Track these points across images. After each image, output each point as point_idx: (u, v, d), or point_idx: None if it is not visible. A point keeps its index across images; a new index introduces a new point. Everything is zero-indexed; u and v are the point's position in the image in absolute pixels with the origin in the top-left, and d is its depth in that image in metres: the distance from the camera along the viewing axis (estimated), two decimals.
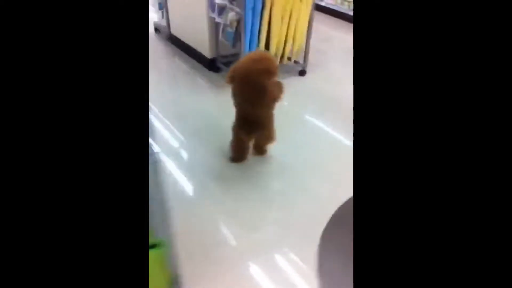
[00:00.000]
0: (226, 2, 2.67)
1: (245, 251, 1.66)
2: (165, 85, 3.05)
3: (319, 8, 4.66)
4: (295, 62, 3.16)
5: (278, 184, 2.08)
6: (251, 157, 2.22)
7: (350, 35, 4.13)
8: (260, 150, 2.17)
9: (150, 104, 2.35)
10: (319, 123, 2.57)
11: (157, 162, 0.99)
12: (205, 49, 3.09)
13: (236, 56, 2.90)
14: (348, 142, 2.37)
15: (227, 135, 2.13)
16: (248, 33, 2.69)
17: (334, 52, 3.83)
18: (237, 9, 2.62)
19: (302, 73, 3.19)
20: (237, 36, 2.73)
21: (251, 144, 2.14)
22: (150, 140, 0.90)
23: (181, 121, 2.54)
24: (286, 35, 2.89)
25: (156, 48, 3.72)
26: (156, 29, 4.06)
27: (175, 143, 2.33)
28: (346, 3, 4.28)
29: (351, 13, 4.22)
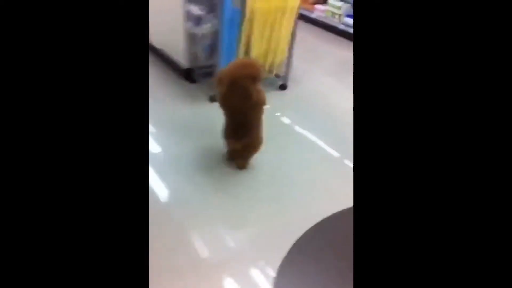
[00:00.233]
0: (203, 13, 2.53)
1: (218, 264, 1.58)
2: None
3: (309, 20, 4.54)
4: (276, 76, 3.03)
5: (256, 195, 2.00)
6: (231, 166, 2.15)
7: (339, 48, 4.01)
8: (241, 162, 2.15)
9: None
10: (292, 135, 2.44)
11: None
12: (182, 59, 2.94)
13: (213, 67, 2.76)
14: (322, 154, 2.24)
15: (201, 144, 2.19)
16: (225, 46, 2.55)
17: (321, 65, 3.70)
18: (214, 21, 2.48)
19: (282, 87, 3.05)
20: (213, 48, 2.58)
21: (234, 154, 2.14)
22: None
23: (155, 128, 2.43)
24: (267, 49, 2.76)
25: None
26: None
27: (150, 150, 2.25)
28: (336, 16, 4.16)
29: (341, 26, 4.10)
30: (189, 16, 2.64)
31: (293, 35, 2.81)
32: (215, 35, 2.52)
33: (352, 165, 2.29)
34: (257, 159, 2.20)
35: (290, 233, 1.69)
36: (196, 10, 2.55)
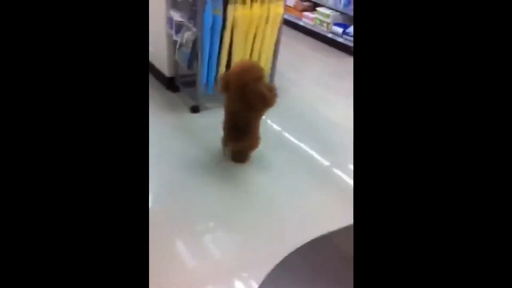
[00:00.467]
0: (184, 20, 2.45)
1: (202, 275, 1.55)
2: None
3: (297, 27, 4.49)
4: None
5: (242, 206, 1.95)
6: (213, 176, 2.11)
7: (327, 57, 3.95)
8: (241, 156, 2.18)
9: None
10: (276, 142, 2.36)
11: None
12: (164, 67, 2.86)
13: (194, 76, 2.68)
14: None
15: (182, 152, 2.19)
16: (206, 55, 2.47)
17: (309, 74, 3.65)
18: (194, 29, 2.40)
19: None
20: (193, 57, 2.50)
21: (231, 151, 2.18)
22: None
23: None
24: (250, 58, 2.68)
25: None
26: None
27: None
28: (324, 24, 4.10)
29: (330, 35, 4.04)
30: (170, 23, 2.56)
31: (277, 44, 2.74)
32: (195, 43, 2.44)
33: (341, 174, 2.27)
34: (245, 167, 2.18)
35: (277, 246, 1.66)
36: (177, 16, 2.47)
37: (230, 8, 2.35)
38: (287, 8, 4.60)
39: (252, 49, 2.63)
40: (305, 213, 1.91)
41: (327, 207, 1.96)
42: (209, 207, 1.92)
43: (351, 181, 2.22)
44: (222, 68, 2.58)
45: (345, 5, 3.94)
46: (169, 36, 2.65)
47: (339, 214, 1.88)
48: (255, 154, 2.22)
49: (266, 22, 2.52)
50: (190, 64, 2.55)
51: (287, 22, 4.59)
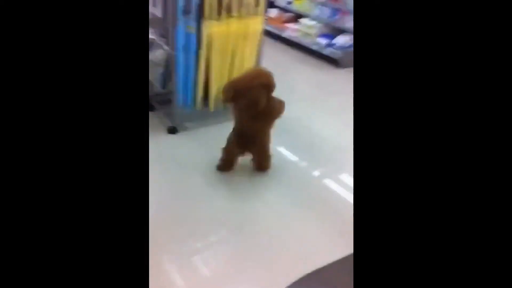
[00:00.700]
0: (155, 37, 2.27)
1: None
2: None
3: (280, 39, 4.35)
4: None
5: (229, 222, 1.87)
6: (195, 199, 2.02)
7: (312, 70, 3.80)
8: (262, 166, 2.19)
9: None
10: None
11: None
12: None
13: (170, 95, 2.49)
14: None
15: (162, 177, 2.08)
16: (181, 74, 2.29)
17: (294, 88, 3.48)
18: (166, 47, 2.22)
19: None
20: (167, 76, 2.32)
21: (245, 160, 2.17)
22: None
23: None
24: (230, 75, 2.52)
25: None
26: None
27: None
28: (309, 36, 3.97)
29: (314, 47, 3.91)
30: None
31: (258, 61, 2.58)
32: (168, 62, 2.26)
33: (332, 185, 2.21)
34: (233, 183, 2.14)
35: (264, 264, 1.65)
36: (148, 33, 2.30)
37: (204, 25, 2.18)
38: (269, 19, 4.49)
39: (231, 67, 2.47)
40: (297, 235, 1.82)
41: (321, 235, 1.84)
42: (196, 226, 1.84)
43: (344, 194, 2.15)
44: (200, 87, 2.40)
45: (330, 16, 3.81)
46: None
47: (333, 236, 1.78)
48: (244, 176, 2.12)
49: (245, 38, 2.37)
50: (164, 84, 2.37)
51: (270, 34, 4.47)
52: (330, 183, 2.23)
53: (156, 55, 2.28)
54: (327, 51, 3.77)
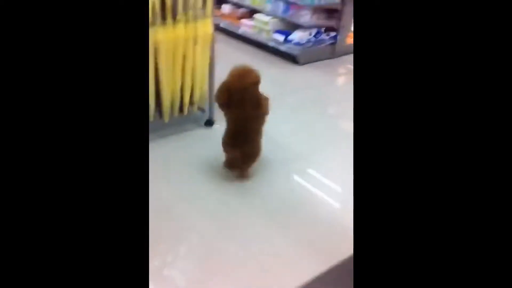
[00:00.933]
0: None
1: None
2: None
3: (235, 36, 4.21)
4: (200, 109, 2.64)
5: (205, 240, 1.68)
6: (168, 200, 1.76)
7: (269, 68, 3.68)
8: (242, 172, 2.16)
9: None
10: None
11: None
12: None
13: None
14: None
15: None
16: None
17: None
18: None
19: (209, 123, 2.66)
20: None
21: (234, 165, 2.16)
22: None
23: None
24: (182, 82, 2.36)
25: None
26: None
27: None
28: (264, 32, 3.85)
29: (271, 43, 3.79)
30: None
31: (211, 65, 2.43)
32: None
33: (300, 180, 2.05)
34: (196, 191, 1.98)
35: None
36: None
37: (150, 31, 2.00)
38: (223, 16, 4.33)
39: (183, 74, 2.31)
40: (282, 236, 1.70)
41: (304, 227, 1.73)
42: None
43: (311, 188, 2.09)
44: (151, 97, 2.23)
45: (284, 11, 3.71)
46: None
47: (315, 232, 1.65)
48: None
49: (195, 43, 2.21)
50: None
51: (224, 31, 4.32)
52: (297, 178, 2.17)
53: None
54: (285, 48, 3.68)
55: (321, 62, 3.80)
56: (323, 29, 3.72)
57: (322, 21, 3.69)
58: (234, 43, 4.22)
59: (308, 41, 3.61)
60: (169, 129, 2.49)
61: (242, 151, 2.05)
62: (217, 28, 4.34)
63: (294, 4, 3.60)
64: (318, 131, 2.75)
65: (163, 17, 2.02)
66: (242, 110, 1.93)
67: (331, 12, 3.71)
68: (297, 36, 3.61)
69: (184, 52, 2.21)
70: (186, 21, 2.10)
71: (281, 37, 3.70)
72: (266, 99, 2.01)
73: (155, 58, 2.11)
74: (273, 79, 3.51)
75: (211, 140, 2.53)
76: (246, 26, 4.04)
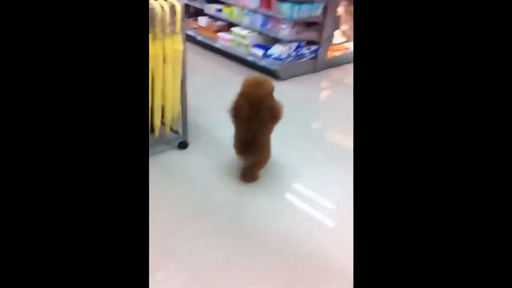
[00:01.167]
0: None
1: None
2: None
3: (213, 49, 4.04)
4: (173, 130, 2.43)
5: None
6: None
7: None
8: (251, 175, 2.17)
9: None
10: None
11: None
12: None
13: None
14: None
15: None
16: None
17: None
18: None
19: (182, 145, 2.46)
20: None
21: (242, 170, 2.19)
22: None
23: None
24: (152, 104, 2.16)
25: None
26: None
27: None
28: (242, 46, 3.69)
29: (250, 58, 3.63)
30: None
31: (183, 85, 2.23)
32: None
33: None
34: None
35: None
36: None
37: None
38: (200, 28, 4.15)
39: (152, 95, 2.11)
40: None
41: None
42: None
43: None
44: None
45: (262, 25, 3.56)
46: None
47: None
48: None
49: (164, 61, 2.01)
50: None
51: (201, 44, 4.14)
52: (287, 195, 1.99)
53: None
54: (264, 62, 3.51)
55: (302, 77, 3.65)
56: (303, 43, 3.58)
57: (303, 34, 3.55)
58: (211, 56, 4.04)
59: (288, 55, 3.46)
60: None
61: (256, 157, 2.09)
62: (194, 41, 4.21)
63: (273, 17, 3.46)
64: (305, 146, 2.62)
65: None
66: (259, 119, 1.92)
67: (311, 25, 3.58)
68: (276, 50, 3.46)
69: (152, 71, 2.01)
70: (154, 38, 1.90)
71: (260, 52, 3.54)
72: (281, 106, 2.01)
73: None
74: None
75: (185, 163, 2.35)
76: (223, 40, 3.87)
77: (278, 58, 3.43)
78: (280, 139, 2.62)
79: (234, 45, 3.77)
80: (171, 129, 2.42)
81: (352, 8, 4.19)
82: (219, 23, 4.04)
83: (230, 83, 3.56)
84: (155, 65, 2.00)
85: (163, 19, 1.89)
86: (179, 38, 1.99)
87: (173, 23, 1.91)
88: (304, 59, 3.61)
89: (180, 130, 2.45)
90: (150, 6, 1.84)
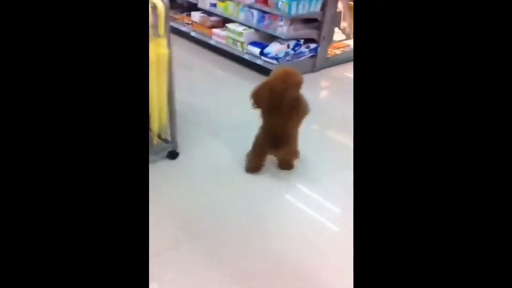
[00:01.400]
0: None
1: None
2: None
3: (208, 46, 3.85)
4: (161, 139, 2.27)
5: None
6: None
7: (247, 83, 3.34)
8: (287, 164, 2.21)
9: None
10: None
11: None
12: None
13: None
14: None
15: None
16: None
17: (228, 101, 3.00)
18: None
19: (172, 155, 2.30)
20: None
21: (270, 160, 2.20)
22: None
23: None
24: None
25: None
26: None
27: None
28: (238, 43, 3.50)
29: (246, 56, 3.45)
30: None
31: (170, 88, 2.06)
32: None
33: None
34: None
35: None
36: None
37: None
38: (193, 24, 3.96)
39: None
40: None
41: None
42: None
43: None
44: None
45: (259, 21, 3.37)
46: None
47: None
48: None
49: (149, 67, 1.84)
50: None
51: (196, 41, 3.95)
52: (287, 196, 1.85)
53: None
54: (261, 61, 3.33)
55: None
56: (302, 41, 3.39)
57: (301, 32, 3.36)
58: (206, 54, 3.85)
59: (286, 54, 3.28)
60: None
61: (282, 153, 2.12)
62: (188, 38, 4.02)
63: (269, 13, 3.26)
64: (306, 144, 2.46)
65: None
66: (281, 111, 1.90)
67: (310, 22, 3.38)
68: (274, 49, 3.27)
69: None
70: None
71: (256, 50, 3.35)
72: (305, 101, 1.98)
73: None
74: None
75: (174, 174, 2.18)
76: (218, 37, 3.67)
77: (275, 57, 3.25)
78: None
79: (229, 43, 3.57)
80: (160, 138, 2.26)
81: (352, 3, 3.98)
82: (213, 18, 3.84)
83: (225, 83, 3.39)
84: None
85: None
86: (163, 42, 1.81)
87: (155, 25, 1.72)
88: (303, 58, 3.42)
89: (169, 138, 2.29)
90: None
